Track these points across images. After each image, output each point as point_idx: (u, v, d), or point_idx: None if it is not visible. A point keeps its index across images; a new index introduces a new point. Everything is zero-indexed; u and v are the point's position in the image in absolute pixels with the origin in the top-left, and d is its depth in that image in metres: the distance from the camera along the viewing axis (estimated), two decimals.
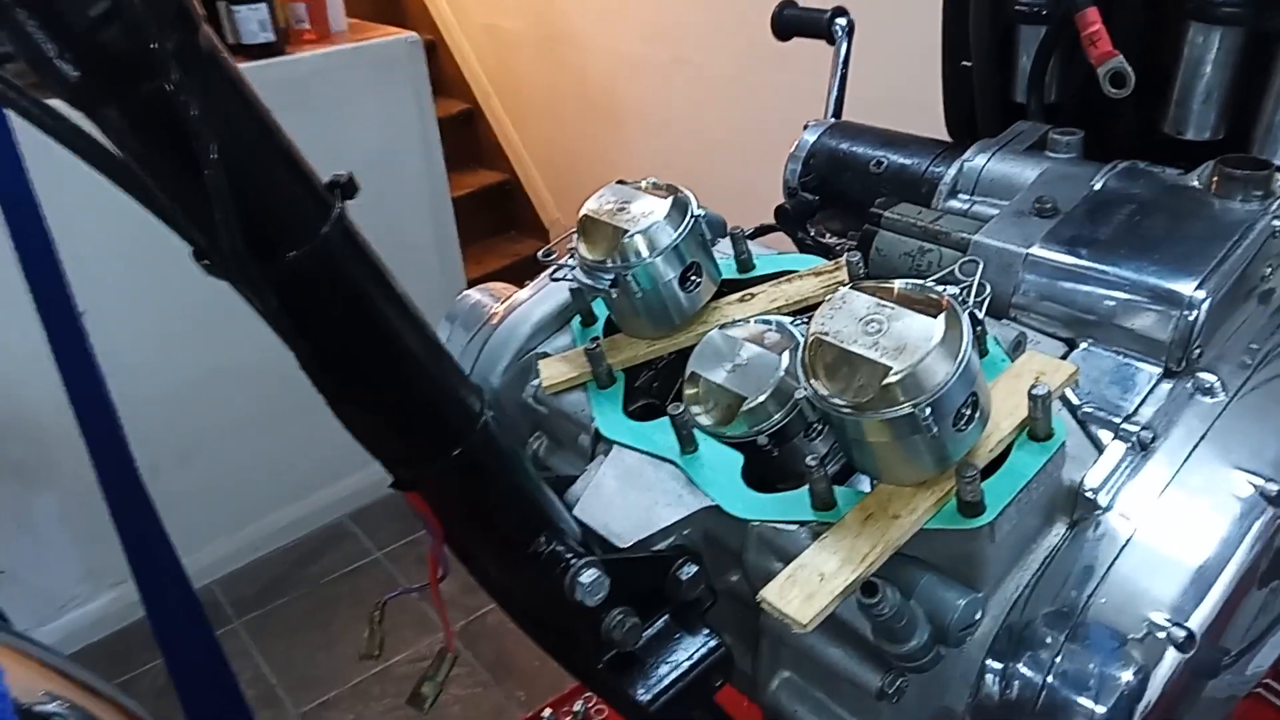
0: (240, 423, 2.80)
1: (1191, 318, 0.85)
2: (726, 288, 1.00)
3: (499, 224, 4.49)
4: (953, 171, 1.13)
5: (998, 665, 0.74)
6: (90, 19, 0.48)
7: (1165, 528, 0.77)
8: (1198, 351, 0.87)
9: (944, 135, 1.34)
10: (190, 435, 2.73)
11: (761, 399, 0.84)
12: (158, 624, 1.84)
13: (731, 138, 3.24)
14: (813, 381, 0.71)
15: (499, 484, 0.78)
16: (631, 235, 0.90)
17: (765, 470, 0.85)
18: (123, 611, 2.66)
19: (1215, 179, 0.97)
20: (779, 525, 0.80)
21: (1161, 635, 0.71)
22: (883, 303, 0.71)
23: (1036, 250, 0.94)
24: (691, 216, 0.93)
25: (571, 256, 0.96)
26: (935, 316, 0.69)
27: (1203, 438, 0.83)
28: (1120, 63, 1.02)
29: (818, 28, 1.42)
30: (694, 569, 0.82)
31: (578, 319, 1.04)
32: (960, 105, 1.34)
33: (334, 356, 0.67)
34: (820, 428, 0.86)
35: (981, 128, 1.29)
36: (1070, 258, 0.93)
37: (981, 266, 0.84)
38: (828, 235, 1.27)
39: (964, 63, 1.29)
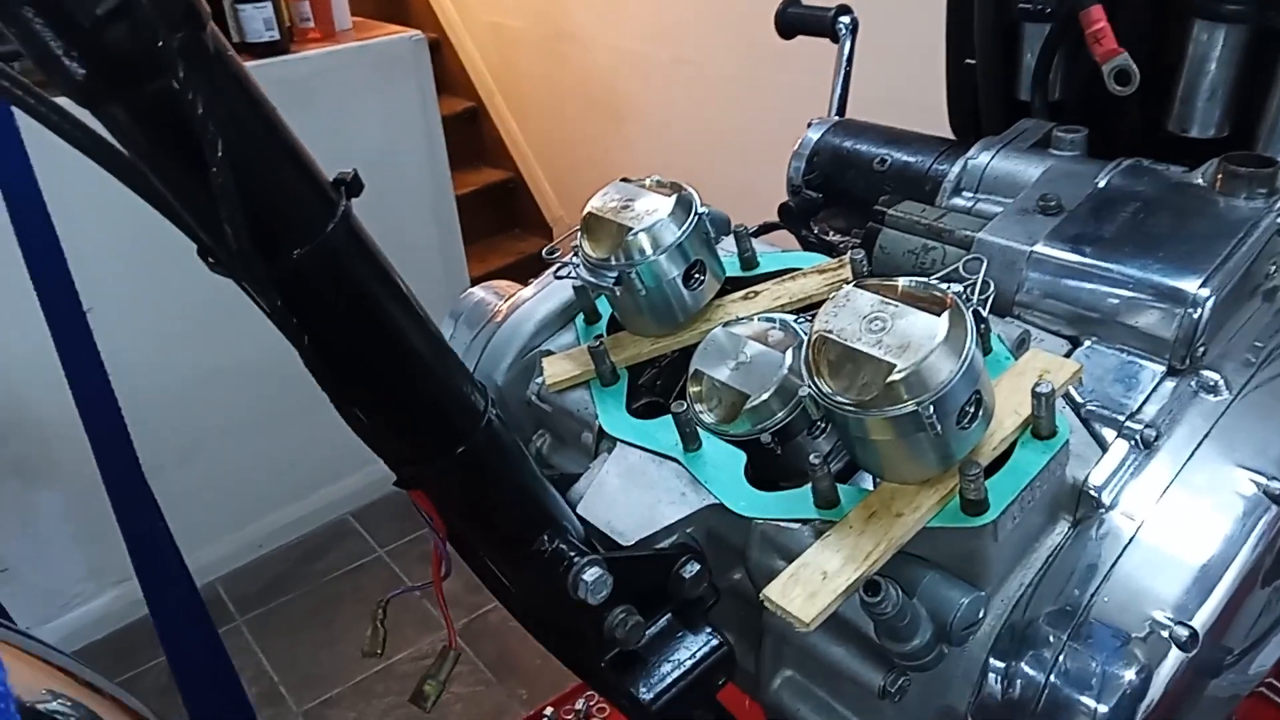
0: (243, 421, 2.80)
1: (1195, 315, 0.85)
2: (730, 285, 1.00)
3: (502, 222, 4.49)
4: (956, 169, 1.13)
5: (1000, 664, 0.74)
6: (97, 16, 0.48)
7: (1168, 526, 0.77)
8: (1201, 349, 0.87)
9: (948, 133, 1.34)
10: (193, 434, 2.73)
11: (765, 397, 0.84)
12: (160, 622, 1.85)
13: (735, 136, 3.23)
14: (816, 379, 0.71)
15: (502, 482, 0.78)
16: (635, 233, 0.90)
17: (768, 468, 0.85)
18: (125, 609, 2.66)
19: (1220, 177, 0.97)
20: (782, 523, 0.80)
21: (1164, 634, 0.71)
22: (886, 300, 0.71)
23: (1040, 248, 0.94)
24: (695, 214, 0.93)
25: (575, 254, 0.96)
26: (939, 314, 0.69)
27: (1206, 436, 0.83)
28: (1125, 60, 1.02)
29: (822, 26, 1.42)
30: (697, 567, 0.82)
31: (581, 316, 1.05)
32: (964, 103, 1.34)
33: (339, 354, 0.67)
34: (823, 426, 0.86)
35: (985, 125, 1.29)
36: (1074, 255, 0.93)
37: (985, 264, 0.84)
38: (831, 233, 1.27)
39: (968, 60, 1.29)
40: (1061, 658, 0.72)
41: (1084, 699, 0.70)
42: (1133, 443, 0.81)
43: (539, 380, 1.01)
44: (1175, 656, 0.71)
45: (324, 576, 2.91)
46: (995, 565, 0.74)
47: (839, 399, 0.70)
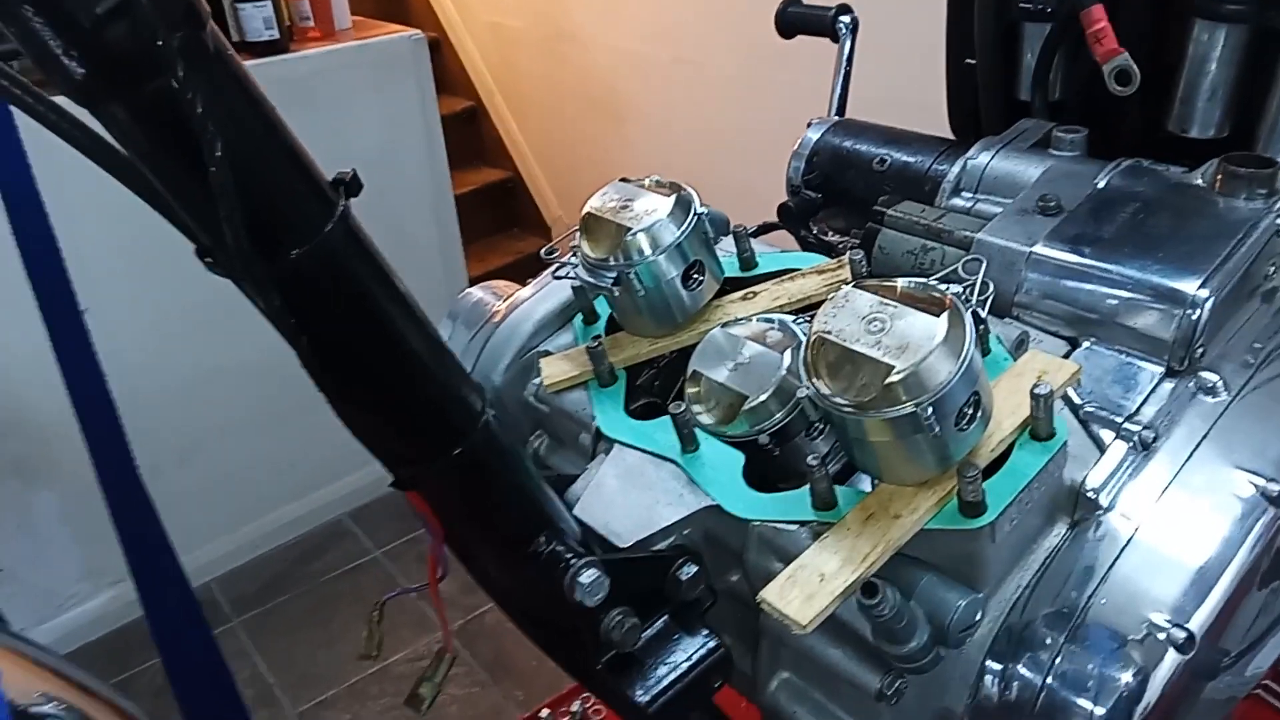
0: (240, 421, 2.80)
1: (1194, 317, 0.85)
2: (729, 286, 1.00)
3: (501, 221, 4.49)
4: (956, 169, 1.13)
5: (997, 666, 0.74)
6: (97, 15, 0.48)
7: (1166, 528, 0.77)
8: (1200, 350, 0.86)
9: (947, 133, 1.34)
10: (190, 434, 2.73)
11: (763, 398, 0.84)
12: (156, 624, 1.84)
13: (734, 135, 3.23)
14: (815, 380, 0.71)
15: (500, 483, 0.78)
16: (634, 233, 0.90)
17: (766, 469, 0.85)
18: (122, 610, 2.66)
19: (1219, 177, 0.97)
20: (779, 525, 0.79)
21: (1161, 636, 0.71)
22: (885, 301, 0.71)
23: (1039, 248, 0.94)
24: (694, 214, 0.93)
25: (574, 254, 0.96)
26: (938, 315, 0.69)
27: (1204, 437, 0.83)
28: (1125, 60, 1.02)
29: (822, 25, 1.42)
30: (694, 569, 0.82)
31: (580, 317, 1.04)
32: (964, 103, 1.34)
33: (336, 354, 0.67)
34: (822, 427, 0.86)
35: (985, 125, 1.29)
36: (1073, 256, 0.93)
37: (984, 265, 0.84)
38: (830, 233, 1.27)
39: (968, 60, 1.29)
40: (1058, 660, 0.72)
41: (1081, 701, 0.70)
42: (1131, 444, 0.80)
43: (537, 381, 1.01)
44: (1172, 659, 0.71)
45: (321, 577, 2.91)
46: (993, 567, 0.74)
47: (837, 400, 0.70)
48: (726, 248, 1.05)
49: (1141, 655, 0.71)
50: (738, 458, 0.85)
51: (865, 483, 0.81)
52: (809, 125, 1.30)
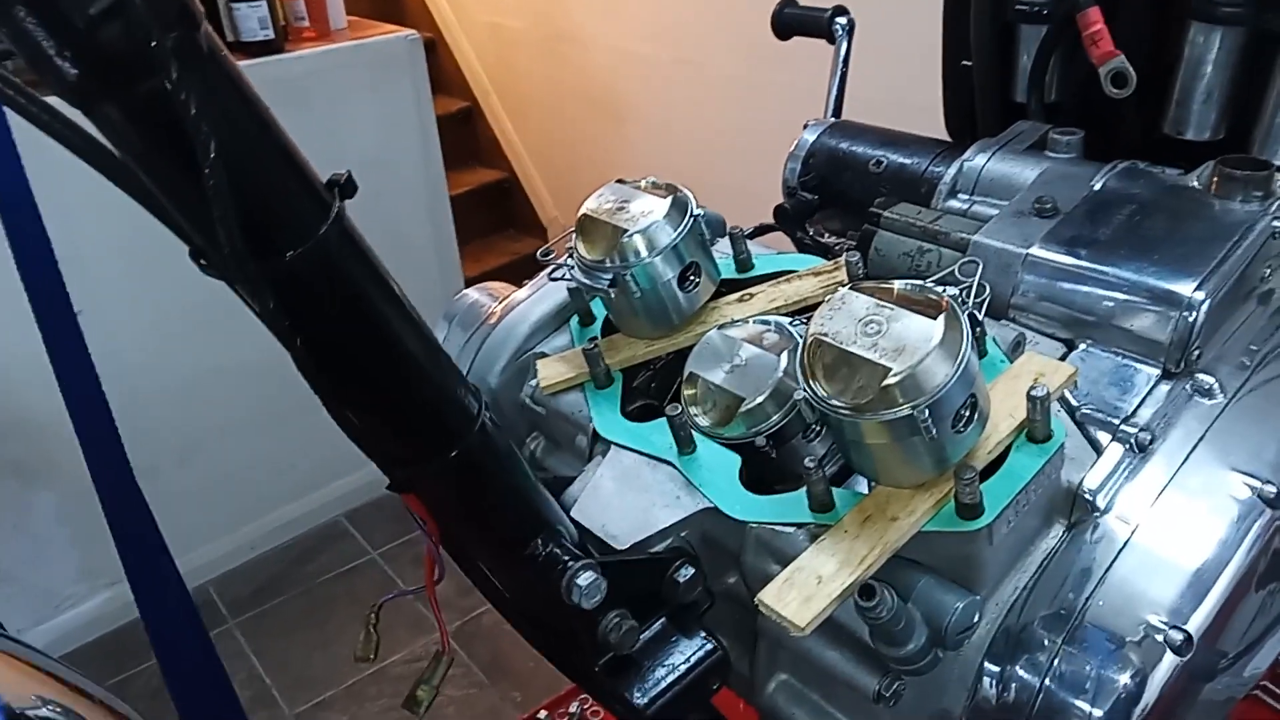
0: (238, 422, 2.80)
1: (1190, 319, 0.85)
2: (725, 287, 1.00)
3: (497, 222, 4.49)
4: (952, 171, 1.13)
5: (995, 668, 0.74)
6: (90, 16, 0.47)
7: (1163, 530, 0.77)
8: (1196, 353, 0.86)
9: (944, 135, 1.34)
10: (189, 434, 2.72)
11: (760, 400, 0.84)
12: (152, 625, 1.84)
13: (731, 137, 3.24)
14: (811, 383, 0.71)
15: (496, 485, 0.77)
16: (630, 235, 0.90)
17: (763, 471, 0.85)
18: (118, 611, 2.65)
19: (1215, 179, 0.97)
20: (777, 527, 0.79)
21: (1159, 638, 0.71)
22: (882, 303, 0.71)
23: (1036, 251, 0.94)
24: (691, 216, 0.92)
25: (570, 256, 0.96)
26: (935, 318, 0.68)
27: (1201, 439, 0.83)
28: (1122, 63, 1.02)
29: (818, 27, 1.42)
30: (691, 571, 0.82)
31: (576, 319, 1.04)
32: (960, 105, 1.34)
33: (331, 357, 0.66)
34: (819, 429, 0.86)
35: (981, 127, 1.29)
36: (1069, 258, 0.93)
37: (981, 267, 0.83)
38: (827, 235, 1.27)
39: (964, 62, 1.29)
40: (1056, 661, 0.72)
41: (1079, 703, 0.70)
42: (1127, 446, 0.80)
43: (533, 383, 1.01)
44: (1170, 660, 0.71)
45: (317, 578, 2.90)
46: (990, 569, 0.74)
47: (834, 402, 0.69)
48: (723, 249, 1.05)
49: (1139, 657, 0.71)
50: (735, 460, 0.85)
51: (862, 485, 0.81)
52: (805, 127, 1.30)
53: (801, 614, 0.68)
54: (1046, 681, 0.72)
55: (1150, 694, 0.70)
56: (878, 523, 0.73)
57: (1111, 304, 0.89)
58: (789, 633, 0.69)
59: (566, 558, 0.77)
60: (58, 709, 0.62)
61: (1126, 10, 1.09)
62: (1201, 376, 0.87)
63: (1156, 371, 0.87)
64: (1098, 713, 0.69)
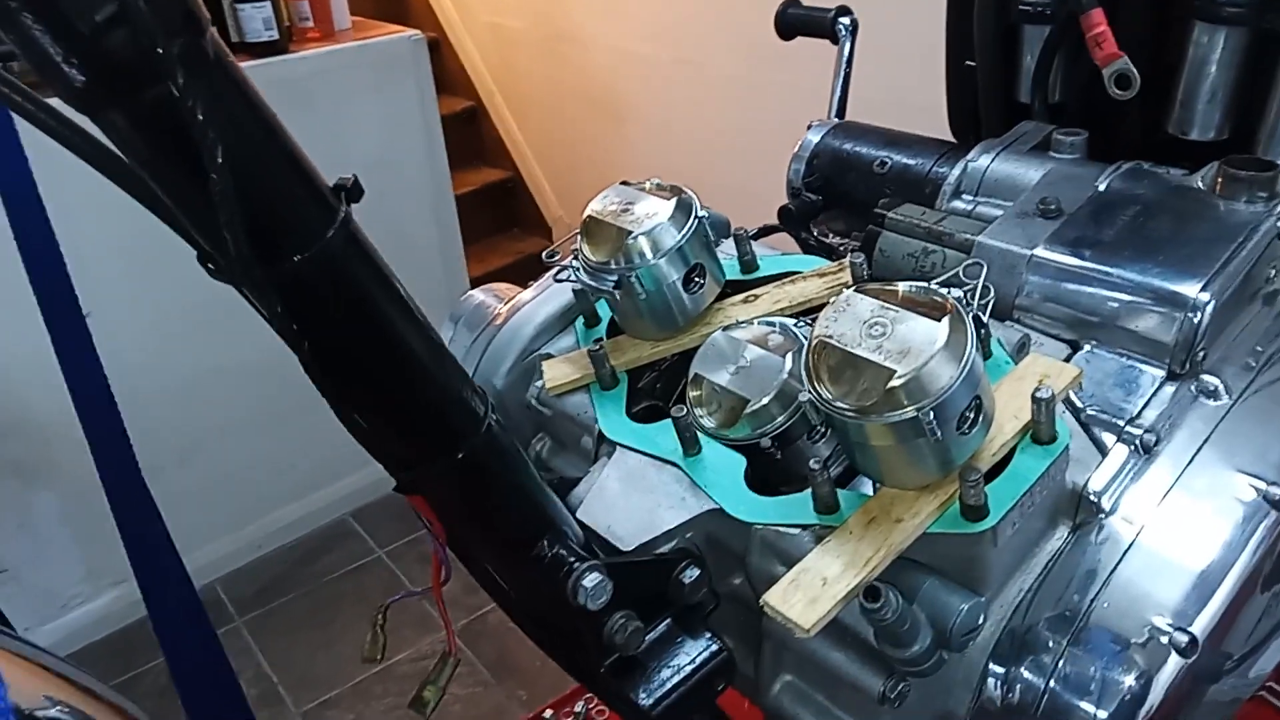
0: (242, 421, 2.80)
1: (1195, 320, 0.85)
2: (730, 289, 1.00)
3: (502, 222, 4.49)
4: (956, 172, 1.13)
5: (1000, 669, 0.74)
6: (96, 23, 0.47)
7: (1168, 532, 0.77)
8: (1201, 354, 0.86)
9: (948, 135, 1.34)
10: (192, 434, 2.73)
11: (765, 401, 0.84)
12: (159, 623, 1.85)
13: (732, 137, 3.23)
14: (816, 384, 0.71)
15: (502, 486, 0.78)
16: (635, 237, 0.90)
17: (768, 473, 0.85)
18: (124, 610, 2.66)
19: (1219, 180, 0.97)
20: (782, 528, 0.80)
21: (1164, 640, 0.71)
22: (887, 305, 0.71)
23: (1040, 252, 0.94)
24: (695, 218, 0.93)
25: (575, 257, 0.96)
26: (939, 320, 0.69)
27: (1206, 441, 0.83)
28: (1125, 64, 1.02)
29: (821, 27, 1.42)
30: (696, 572, 0.82)
31: (581, 320, 1.04)
32: (964, 105, 1.34)
33: (338, 359, 0.67)
34: (824, 431, 0.86)
35: (985, 128, 1.29)
36: (1074, 259, 0.92)
37: (985, 268, 0.84)
38: (831, 236, 1.27)
39: (968, 62, 1.28)
40: (1061, 663, 0.72)
41: (1084, 704, 0.70)
42: (1132, 447, 0.80)
43: (539, 384, 1.01)
44: (1175, 662, 0.71)
45: (323, 577, 2.91)
46: (995, 571, 0.74)
47: (839, 404, 0.70)
48: (727, 250, 1.05)
49: (1144, 659, 0.71)
50: (740, 461, 0.85)
51: (867, 486, 0.81)
52: (809, 127, 1.30)
53: (807, 615, 0.68)
54: (1051, 683, 0.72)
55: (1155, 696, 0.70)
56: (882, 524, 0.73)
57: (1116, 305, 0.89)
58: (794, 634, 0.69)
59: (572, 559, 0.77)
60: (67, 710, 0.62)
61: (1129, 10, 1.09)
62: (1206, 378, 0.87)
63: (1161, 373, 0.87)
64: (1103, 714, 0.70)
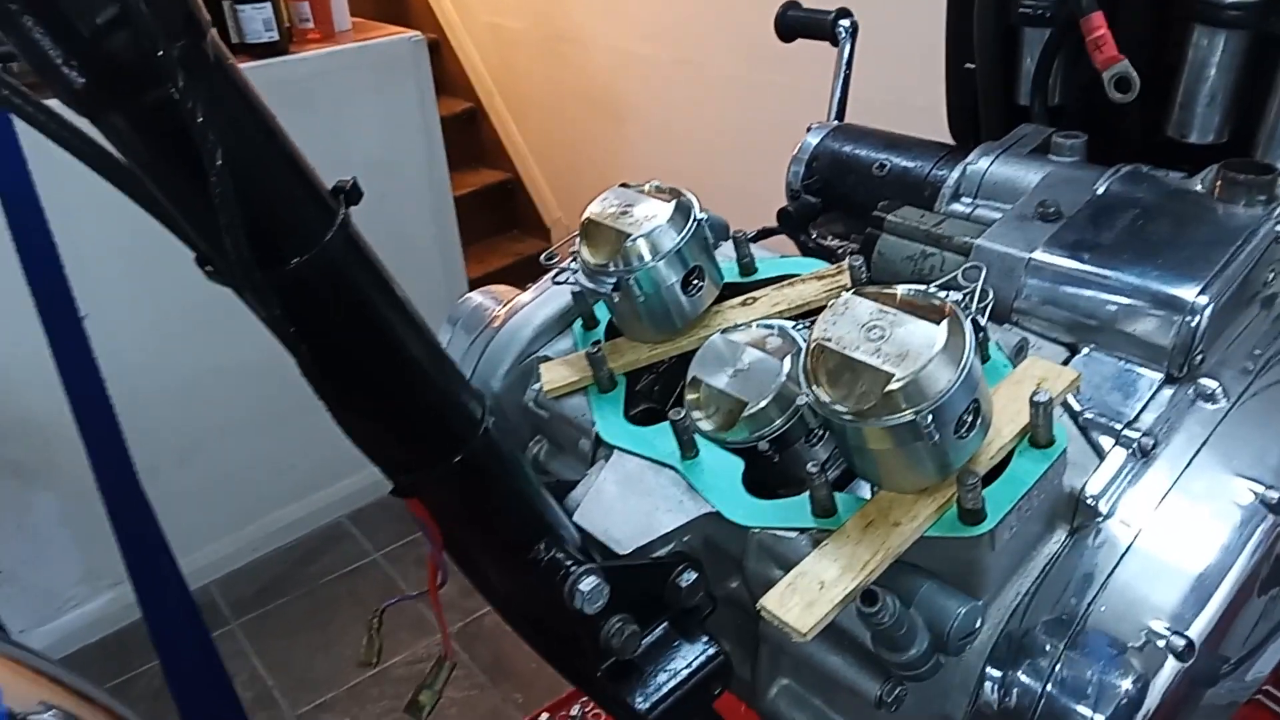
0: (240, 423, 2.80)
1: (1193, 323, 0.85)
2: (728, 291, 1.00)
3: (501, 223, 4.49)
4: (956, 175, 1.13)
5: (997, 673, 0.74)
6: (97, 25, 0.47)
7: (1166, 535, 0.77)
8: (1199, 357, 0.86)
9: (947, 138, 1.34)
10: (190, 435, 2.73)
11: (763, 404, 0.84)
12: (154, 626, 1.84)
13: (734, 139, 3.24)
14: (814, 388, 0.71)
15: (499, 490, 0.78)
16: (634, 239, 0.90)
17: (766, 476, 0.85)
18: (121, 612, 2.66)
19: (1218, 183, 0.97)
20: (779, 532, 0.79)
21: (1161, 644, 0.71)
22: (885, 309, 0.71)
23: (1039, 255, 0.94)
24: (694, 220, 0.93)
25: (574, 260, 0.96)
26: (938, 323, 0.69)
27: (1204, 444, 0.83)
28: (1125, 67, 1.02)
29: (821, 29, 1.42)
30: (694, 576, 0.82)
31: (579, 322, 1.04)
32: (963, 108, 1.34)
33: (336, 362, 0.67)
34: (821, 434, 0.86)
35: (985, 130, 1.29)
36: (1073, 262, 0.93)
37: (984, 271, 0.83)
38: (830, 238, 1.27)
39: (967, 65, 1.28)
40: (1058, 667, 0.72)
41: (1081, 708, 0.70)
42: (1130, 451, 0.80)
43: (536, 386, 1.01)
44: (1172, 666, 0.71)
45: (320, 579, 2.91)
46: (992, 574, 0.74)
47: (837, 408, 0.70)
48: (726, 253, 1.05)
49: (1141, 662, 0.71)
50: (737, 464, 0.85)
51: (865, 489, 0.81)
52: (808, 130, 1.30)
53: (804, 619, 0.68)
54: (1048, 687, 0.72)
55: (1152, 700, 0.70)
56: (880, 528, 0.73)
57: (1114, 308, 0.89)
58: (791, 638, 0.69)
59: (569, 562, 0.77)
60: (61, 714, 0.62)
61: (1129, 13, 1.09)
62: (1205, 381, 0.87)
63: (1159, 376, 0.87)
64: (1099, 718, 0.69)
